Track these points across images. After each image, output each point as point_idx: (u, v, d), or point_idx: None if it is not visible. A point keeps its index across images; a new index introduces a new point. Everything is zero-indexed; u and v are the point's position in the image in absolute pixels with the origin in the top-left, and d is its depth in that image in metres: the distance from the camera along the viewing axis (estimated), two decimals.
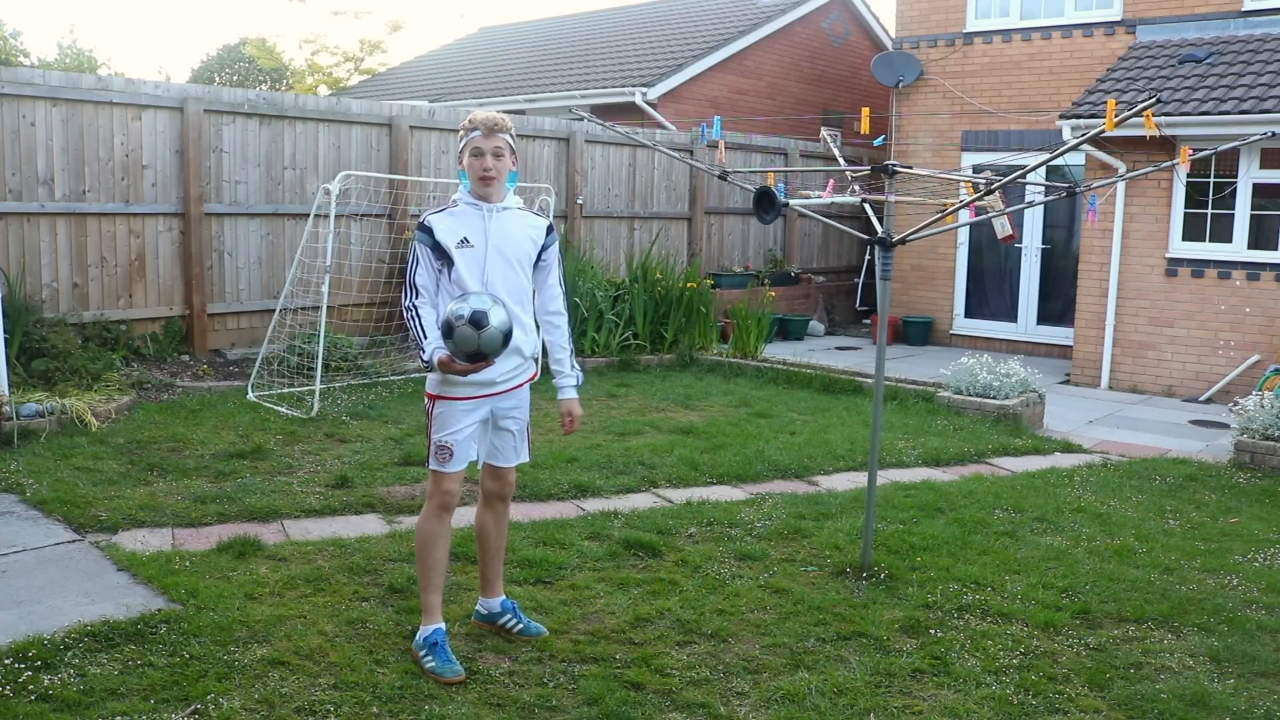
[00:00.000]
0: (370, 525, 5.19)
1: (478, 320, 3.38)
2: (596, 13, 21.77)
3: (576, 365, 3.95)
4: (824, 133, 6.44)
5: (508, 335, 3.47)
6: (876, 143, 6.60)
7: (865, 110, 5.24)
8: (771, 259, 14.49)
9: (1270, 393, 7.64)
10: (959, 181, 11.19)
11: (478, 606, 4.04)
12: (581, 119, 11.31)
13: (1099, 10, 12.27)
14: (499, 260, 3.66)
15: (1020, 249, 12.95)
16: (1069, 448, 7.68)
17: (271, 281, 9.40)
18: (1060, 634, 4.19)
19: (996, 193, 5.20)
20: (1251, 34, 11.05)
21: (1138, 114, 4.14)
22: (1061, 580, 4.75)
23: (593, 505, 5.65)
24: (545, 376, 4.41)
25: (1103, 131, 4.37)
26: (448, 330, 3.44)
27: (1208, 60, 10.66)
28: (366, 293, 9.72)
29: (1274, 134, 5.86)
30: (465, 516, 4.89)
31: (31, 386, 7.07)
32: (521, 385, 3.81)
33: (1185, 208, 10.33)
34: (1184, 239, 10.36)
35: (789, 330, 13.25)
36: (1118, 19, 12.07)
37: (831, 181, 7.25)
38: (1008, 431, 7.89)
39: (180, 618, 3.91)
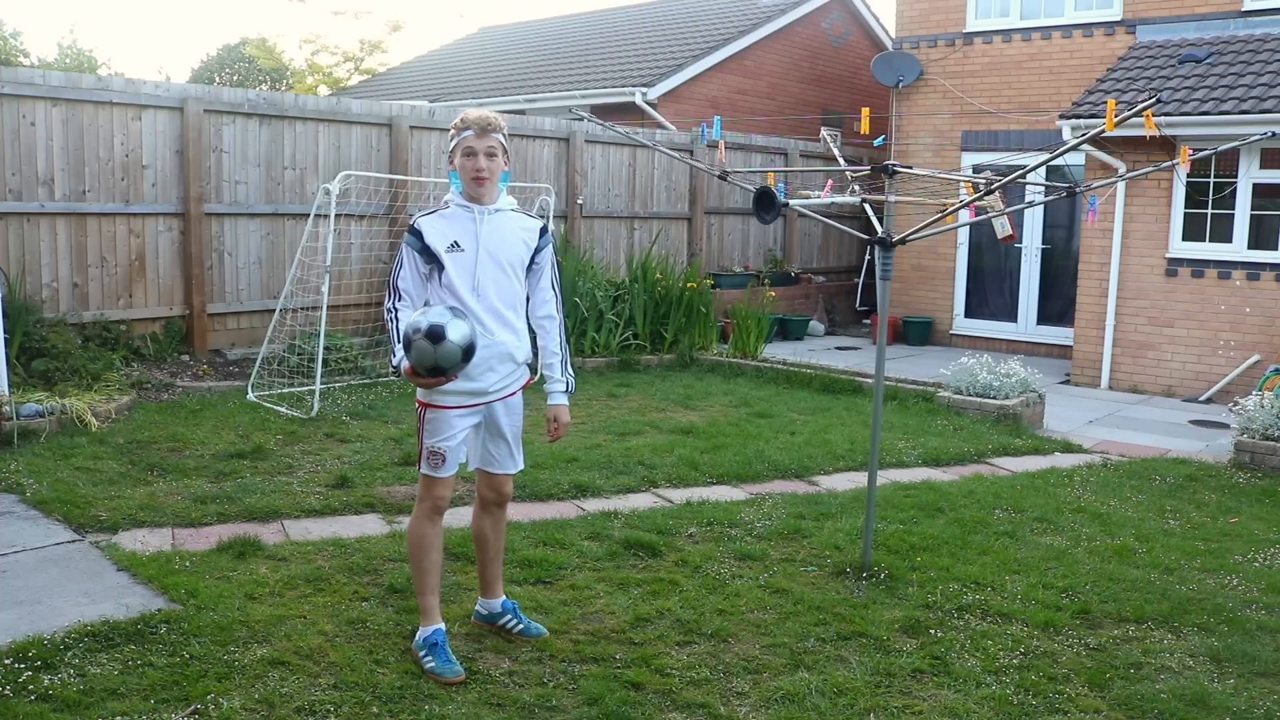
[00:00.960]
0: (370, 525, 5.19)
1: (434, 334, 3.25)
2: (596, 13, 21.76)
3: (570, 371, 3.87)
4: (824, 133, 6.43)
5: (468, 350, 3.33)
6: (876, 143, 6.60)
7: (865, 110, 5.24)
8: (771, 259, 14.49)
9: (1270, 393, 7.64)
10: (959, 181, 11.18)
11: (478, 607, 4.04)
12: (581, 119, 11.30)
13: (1099, 10, 12.27)
14: (490, 265, 3.58)
15: (1020, 249, 12.95)
16: (1069, 448, 7.68)
17: (271, 281, 9.40)
18: (1060, 634, 4.19)
19: (996, 193, 5.20)
20: (1251, 34, 11.04)
21: (1138, 114, 4.15)
22: (1061, 580, 4.75)
23: (593, 505, 5.65)
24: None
25: (1103, 131, 4.36)
26: (406, 343, 3.33)
27: (1208, 60, 10.66)
28: (366, 293, 9.72)
29: (1274, 134, 5.86)
30: (463, 515, 4.88)
31: (31, 386, 7.07)
32: (515, 393, 3.76)
33: (1185, 208, 10.33)
34: (1184, 239, 10.36)
35: (789, 330, 13.25)
36: (1118, 19, 12.07)
37: (830, 181, 7.25)
38: (1008, 431, 7.89)
39: (180, 618, 3.90)
